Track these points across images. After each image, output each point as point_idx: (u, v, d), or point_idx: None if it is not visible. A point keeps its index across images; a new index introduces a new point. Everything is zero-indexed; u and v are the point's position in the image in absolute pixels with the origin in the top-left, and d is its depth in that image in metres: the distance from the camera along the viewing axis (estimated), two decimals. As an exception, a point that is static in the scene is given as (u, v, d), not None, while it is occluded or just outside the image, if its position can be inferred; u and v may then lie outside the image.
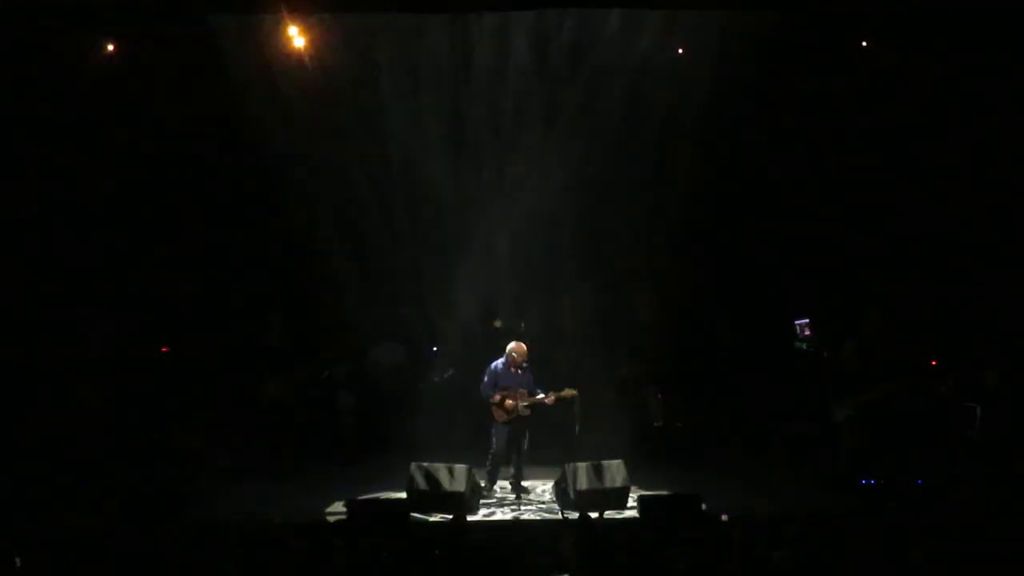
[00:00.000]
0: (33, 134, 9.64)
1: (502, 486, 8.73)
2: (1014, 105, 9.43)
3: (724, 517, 6.79)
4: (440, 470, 8.04)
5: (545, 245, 10.72)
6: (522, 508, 8.35)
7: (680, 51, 10.27)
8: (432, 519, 7.73)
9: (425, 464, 8.11)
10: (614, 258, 10.88)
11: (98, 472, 8.75)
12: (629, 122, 10.45)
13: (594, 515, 6.75)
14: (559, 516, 7.91)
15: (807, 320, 9.36)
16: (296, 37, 9.72)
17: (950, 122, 9.74)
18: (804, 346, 9.36)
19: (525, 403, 8.48)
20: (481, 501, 8.35)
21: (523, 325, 10.75)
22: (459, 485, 7.95)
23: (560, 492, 8.33)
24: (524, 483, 8.69)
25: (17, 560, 5.33)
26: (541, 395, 8.53)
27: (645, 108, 10.37)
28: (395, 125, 10.50)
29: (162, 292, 10.36)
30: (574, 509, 7.71)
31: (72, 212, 9.95)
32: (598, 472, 8.07)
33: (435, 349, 10.88)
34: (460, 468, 8.02)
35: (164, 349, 10.38)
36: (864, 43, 9.81)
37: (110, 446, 9.47)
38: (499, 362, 8.64)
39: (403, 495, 8.07)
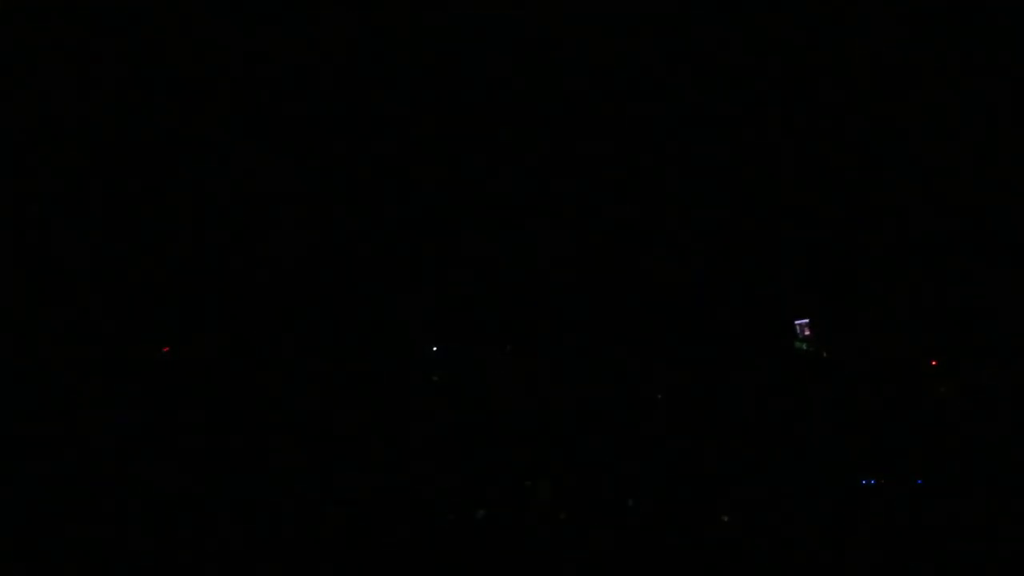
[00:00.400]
0: (33, 134, 9.65)
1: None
2: (1014, 105, 9.44)
3: (725, 518, 6.80)
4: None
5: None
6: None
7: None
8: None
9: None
10: (613, 257, 10.88)
11: (99, 472, 8.74)
12: (629, 119, 10.46)
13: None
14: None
15: (807, 320, 9.39)
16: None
17: (950, 122, 9.74)
18: (804, 346, 9.39)
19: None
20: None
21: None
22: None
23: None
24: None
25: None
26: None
27: (643, 107, 10.38)
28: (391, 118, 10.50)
29: (162, 292, 10.35)
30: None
31: (72, 212, 9.95)
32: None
33: (435, 349, 10.90)
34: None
35: (165, 349, 10.39)
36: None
37: (111, 446, 9.46)
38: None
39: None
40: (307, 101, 10.28)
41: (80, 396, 9.66)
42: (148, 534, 5.98)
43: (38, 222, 9.85)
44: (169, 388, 10.10)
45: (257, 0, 9.68)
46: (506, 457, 8.55)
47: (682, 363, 10.61)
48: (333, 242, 10.72)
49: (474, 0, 9.78)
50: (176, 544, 5.71)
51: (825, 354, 9.25)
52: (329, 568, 5.30)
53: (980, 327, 9.76)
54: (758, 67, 9.93)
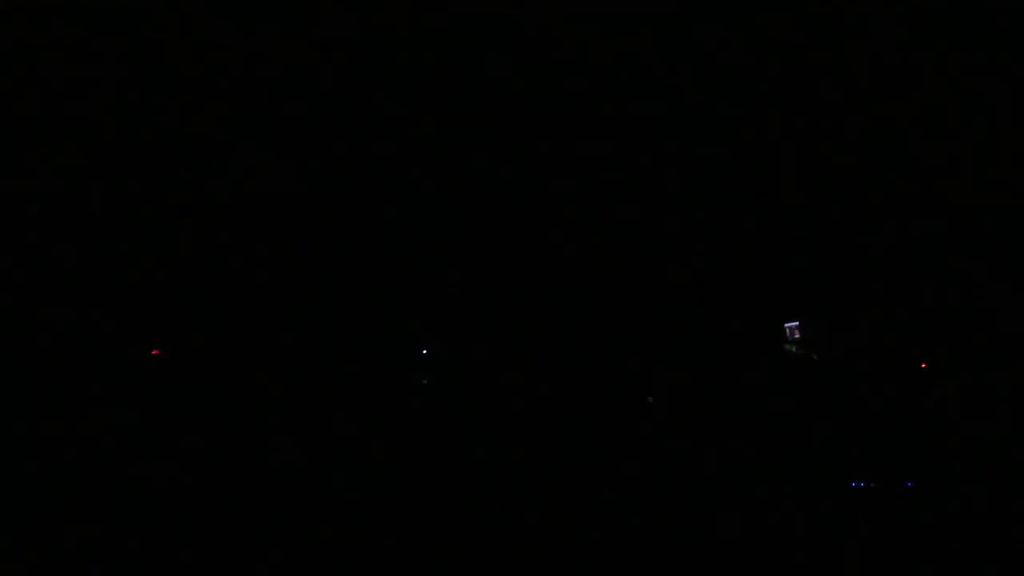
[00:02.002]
0: (33, 134, 9.66)
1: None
2: (1014, 105, 9.45)
3: (724, 519, 6.80)
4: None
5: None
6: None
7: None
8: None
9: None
10: (613, 257, 10.90)
11: (99, 472, 8.74)
12: (629, 119, 10.47)
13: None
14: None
15: (797, 323, 9.42)
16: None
17: (950, 122, 9.75)
18: (794, 349, 9.41)
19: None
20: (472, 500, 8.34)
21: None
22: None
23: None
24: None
25: None
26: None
27: (643, 107, 10.39)
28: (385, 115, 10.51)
29: (162, 292, 10.36)
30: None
31: (72, 212, 9.96)
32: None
33: (424, 352, 10.92)
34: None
35: (155, 352, 10.38)
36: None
37: (111, 446, 9.46)
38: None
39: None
40: (307, 101, 10.28)
41: (80, 396, 9.66)
42: (148, 534, 5.99)
43: (38, 222, 9.85)
44: (169, 388, 10.11)
45: (257, 0, 9.68)
46: (506, 457, 8.55)
47: (681, 363, 10.62)
48: (333, 242, 10.72)
49: (474, 0, 9.78)
50: (176, 544, 5.73)
51: (815, 356, 9.27)
52: (329, 568, 5.31)
53: (980, 327, 9.77)
54: (758, 67, 9.93)
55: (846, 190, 10.27)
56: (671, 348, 10.62)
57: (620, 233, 10.78)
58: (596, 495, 8.05)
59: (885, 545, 5.56)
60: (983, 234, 9.85)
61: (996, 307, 9.75)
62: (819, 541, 5.47)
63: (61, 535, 6.00)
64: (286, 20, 9.82)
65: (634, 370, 10.67)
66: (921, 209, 10.03)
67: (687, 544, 5.44)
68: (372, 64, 10.24)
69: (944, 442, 9.01)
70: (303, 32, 9.91)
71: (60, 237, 9.91)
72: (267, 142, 10.26)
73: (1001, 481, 8.13)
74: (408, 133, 10.51)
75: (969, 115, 9.65)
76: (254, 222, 10.54)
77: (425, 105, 10.42)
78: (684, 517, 7.04)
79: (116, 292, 10.19)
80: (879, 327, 9.21)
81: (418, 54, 10.18)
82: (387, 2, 9.62)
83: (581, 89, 10.36)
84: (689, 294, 10.70)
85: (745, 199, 10.57)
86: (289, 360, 10.62)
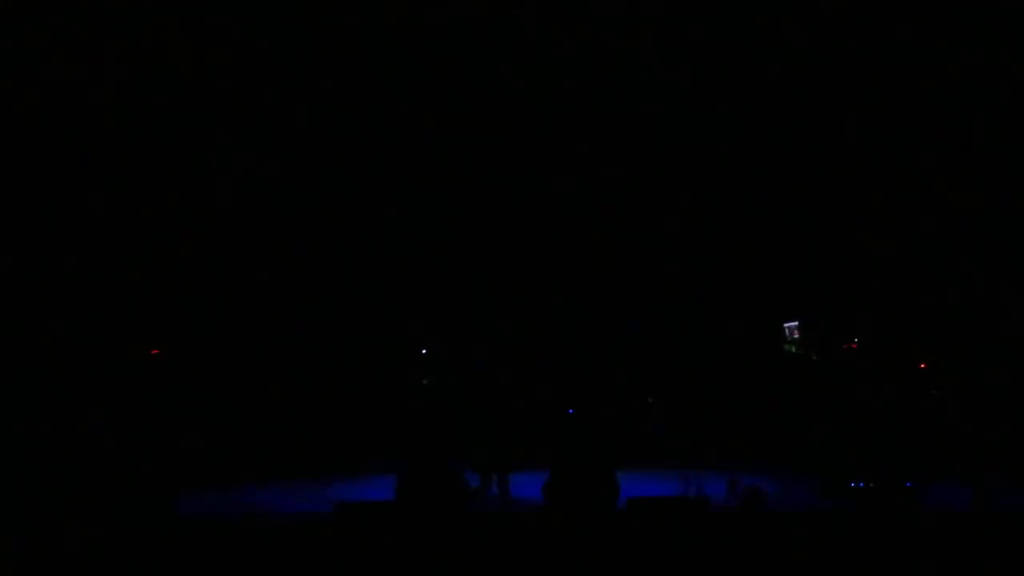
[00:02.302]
0: (33, 134, 9.67)
1: (493, 491, 8.74)
2: (1014, 105, 9.46)
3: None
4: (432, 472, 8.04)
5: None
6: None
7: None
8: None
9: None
10: (612, 257, 10.91)
11: (98, 472, 8.74)
12: (629, 120, 10.49)
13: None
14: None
15: (796, 323, 9.43)
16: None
17: (950, 122, 9.75)
18: (793, 349, 9.42)
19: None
20: (472, 502, 8.33)
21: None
22: (452, 486, 7.94)
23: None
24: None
25: None
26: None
27: (642, 106, 10.40)
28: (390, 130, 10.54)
29: (161, 292, 10.37)
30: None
31: (72, 212, 9.96)
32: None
33: (423, 352, 10.90)
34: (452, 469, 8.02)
35: (154, 352, 10.38)
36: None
37: (110, 446, 9.46)
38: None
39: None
40: (307, 101, 10.29)
41: (80, 396, 9.67)
42: (148, 533, 6.00)
43: (38, 222, 9.86)
44: (169, 388, 10.12)
45: (257, 0, 9.69)
46: (506, 456, 8.53)
47: (681, 363, 10.63)
48: (333, 242, 10.73)
49: (474, 0, 9.79)
50: (176, 543, 5.75)
51: (815, 356, 9.27)
52: (329, 568, 5.33)
53: (980, 327, 9.77)
54: (758, 67, 9.94)
55: (846, 190, 10.28)
56: (671, 348, 10.63)
57: (620, 233, 10.79)
58: (596, 495, 8.04)
59: (885, 545, 5.57)
60: (983, 234, 9.86)
61: (996, 307, 9.75)
62: (819, 541, 5.50)
63: (61, 535, 6.01)
64: (286, 20, 9.83)
65: (634, 370, 10.68)
66: (921, 209, 10.03)
67: (687, 544, 5.46)
68: (372, 64, 10.26)
69: (944, 442, 9.01)
70: (303, 32, 9.92)
71: (60, 237, 9.92)
72: (267, 142, 10.27)
73: (1001, 481, 8.14)
74: (408, 133, 10.51)
75: (969, 115, 9.65)
76: (254, 222, 10.54)
77: (425, 105, 10.43)
78: (684, 517, 7.04)
79: (116, 292, 10.20)
80: (879, 327, 9.21)
81: (418, 54, 10.20)
82: (387, 2, 9.62)
83: (581, 89, 10.38)
84: (689, 294, 10.71)
85: (745, 199, 10.57)
86: (289, 360, 10.64)
